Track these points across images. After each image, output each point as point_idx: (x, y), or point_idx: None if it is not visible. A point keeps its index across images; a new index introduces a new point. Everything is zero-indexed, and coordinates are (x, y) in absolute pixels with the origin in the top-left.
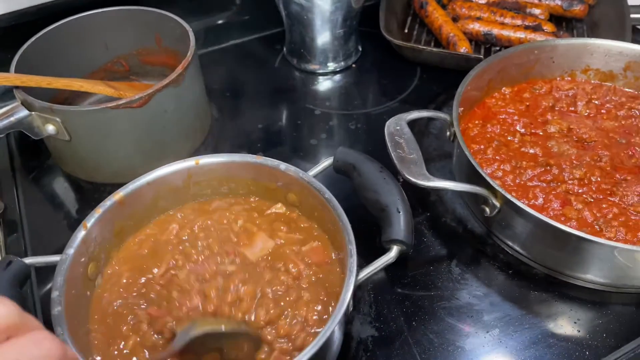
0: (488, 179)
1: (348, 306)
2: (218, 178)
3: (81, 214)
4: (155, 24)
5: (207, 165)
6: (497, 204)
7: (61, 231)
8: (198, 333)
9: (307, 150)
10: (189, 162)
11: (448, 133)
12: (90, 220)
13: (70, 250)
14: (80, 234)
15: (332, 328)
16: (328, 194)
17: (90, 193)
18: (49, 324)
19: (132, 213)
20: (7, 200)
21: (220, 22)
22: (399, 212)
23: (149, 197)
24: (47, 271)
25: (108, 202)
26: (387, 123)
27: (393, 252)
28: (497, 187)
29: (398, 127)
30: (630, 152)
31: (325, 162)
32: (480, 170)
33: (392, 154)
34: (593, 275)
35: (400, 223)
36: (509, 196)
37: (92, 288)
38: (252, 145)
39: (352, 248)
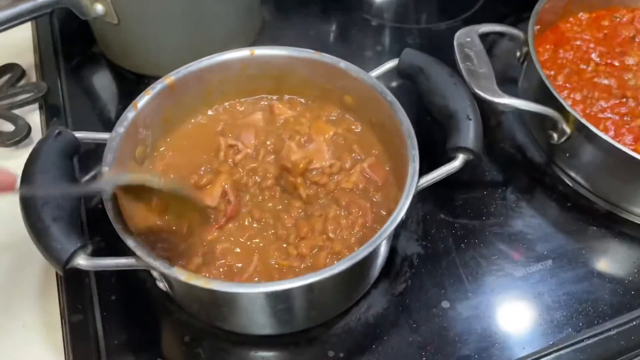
0: (562, 101)
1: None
2: (272, 73)
3: (124, 104)
4: None
5: (262, 57)
6: (568, 130)
7: (103, 119)
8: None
9: (362, 61)
10: (244, 52)
11: (518, 53)
12: (140, 101)
13: (121, 129)
14: (131, 113)
15: (390, 230)
16: (391, 96)
17: (135, 85)
18: (90, 212)
19: (182, 100)
20: (50, 84)
21: None
22: (470, 119)
23: (201, 85)
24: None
25: (159, 85)
26: (457, 34)
27: (458, 161)
28: (571, 111)
29: (469, 39)
30: None
31: (390, 64)
32: (553, 91)
33: (461, 66)
34: None
35: (469, 130)
36: (583, 120)
37: (139, 171)
38: None
39: (415, 153)
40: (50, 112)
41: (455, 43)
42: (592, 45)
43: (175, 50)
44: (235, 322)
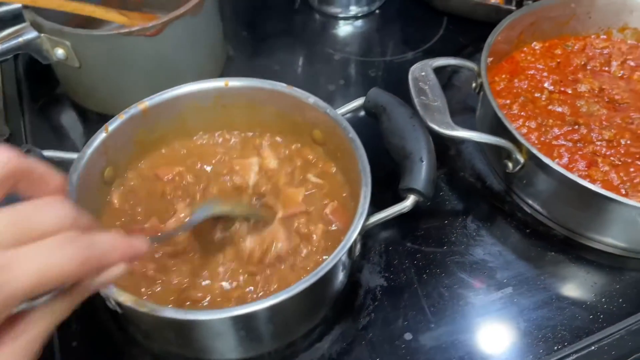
0: (514, 131)
1: (353, 249)
2: (245, 105)
3: None
4: None
5: (237, 88)
6: (521, 159)
7: None
8: (215, 213)
9: (325, 95)
10: (219, 82)
11: (474, 84)
12: (112, 124)
13: (89, 150)
14: (101, 135)
15: (329, 267)
16: (352, 133)
17: (99, 125)
18: None
19: (156, 126)
20: (13, 128)
21: None
22: (422, 162)
23: (174, 113)
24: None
25: (132, 110)
26: (412, 68)
27: (409, 202)
28: (523, 141)
29: (423, 73)
30: None
31: (356, 102)
32: (506, 122)
33: (415, 100)
34: (614, 239)
35: (421, 172)
36: (534, 151)
37: (107, 192)
38: None
39: (367, 190)
40: None
41: (409, 77)
42: (545, 74)
43: (138, 89)
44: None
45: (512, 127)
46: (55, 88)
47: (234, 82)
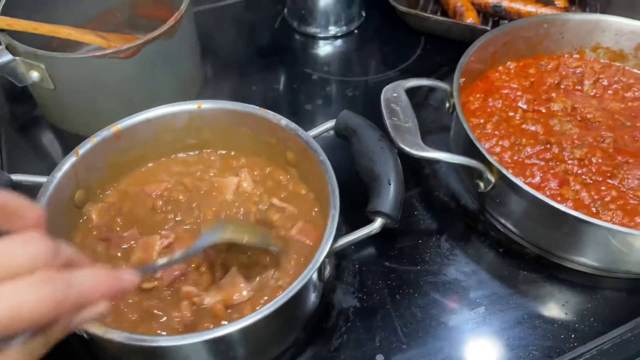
0: (484, 152)
1: (322, 272)
2: (219, 126)
3: None
4: None
5: (209, 110)
6: (492, 179)
7: None
8: (223, 239)
9: (302, 115)
10: (192, 105)
11: (447, 104)
12: (83, 148)
13: (59, 173)
14: (71, 159)
15: (296, 290)
16: (323, 156)
17: (75, 146)
18: None
19: (129, 149)
20: None
21: None
22: (390, 184)
23: (148, 135)
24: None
25: (104, 133)
26: (384, 89)
27: (376, 224)
28: (492, 162)
29: (395, 94)
30: (635, 136)
31: (327, 124)
32: (476, 143)
33: (387, 122)
34: (585, 258)
35: (388, 195)
36: (504, 171)
37: (78, 214)
38: None
39: (335, 213)
40: None
41: (382, 99)
42: (519, 93)
43: (114, 111)
44: None
45: (482, 147)
46: (34, 109)
47: (207, 105)
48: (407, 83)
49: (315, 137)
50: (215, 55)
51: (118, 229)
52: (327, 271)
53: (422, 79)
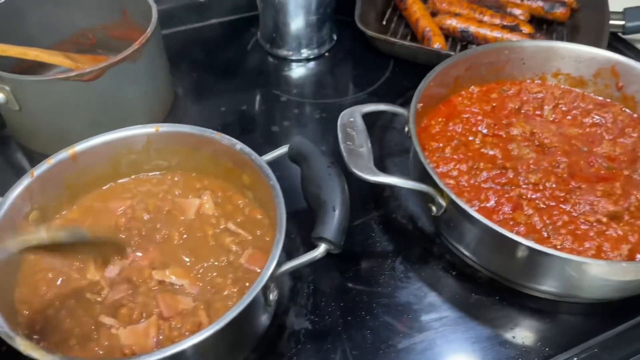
0: (434, 176)
1: (266, 295)
2: (178, 149)
3: None
4: None
5: (167, 133)
6: (443, 204)
7: None
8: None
9: (268, 136)
10: (149, 128)
11: (406, 129)
12: (38, 169)
13: (13, 194)
14: (26, 180)
15: (234, 314)
16: (273, 181)
17: None
18: None
19: (87, 170)
20: None
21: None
22: (334, 211)
23: (106, 158)
24: None
25: (60, 155)
26: (342, 114)
27: (320, 250)
28: (442, 186)
29: (352, 119)
30: (590, 161)
31: (281, 150)
32: (427, 167)
33: (342, 146)
34: (536, 284)
35: (332, 222)
36: (453, 196)
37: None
38: (213, 128)
39: (280, 238)
40: None
41: (338, 123)
42: (480, 117)
43: (81, 132)
44: None
45: (432, 171)
46: (3, 129)
47: (164, 128)
48: (364, 108)
49: (270, 162)
50: (186, 76)
51: None
52: (274, 294)
53: (380, 104)
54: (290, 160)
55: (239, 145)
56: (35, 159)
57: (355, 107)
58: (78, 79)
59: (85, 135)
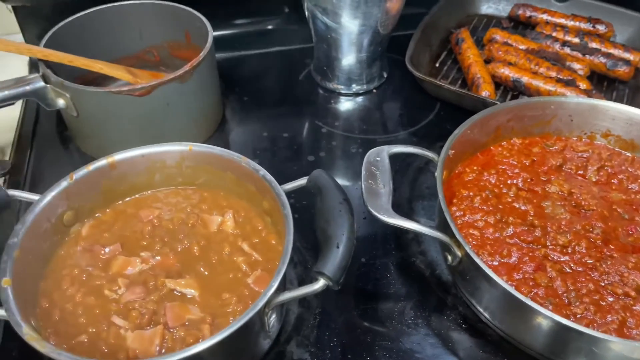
0: (452, 225)
1: (263, 321)
2: (207, 168)
3: None
4: (185, 20)
5: (199, 153)
6: (459, 254)
7: None
8: None
9: (302, 165)
10: (183, 147)
11: (436, 173)
12: (77, 173)
13: (51, 194)
14: (64, 182)
15: (225, 335)
16: (287, 210)
17: None
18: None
19: (123, 178)
20: (18, 161)
21: (269, 27)
22: (338, 248)
23: (142, 169)
24: None
25: (100, 162)
26: (369, 152)
27: (318, 284)
28: (458, 236)
29: (378, 159)
30: (629, 229)
31: (301, 181)
32: (446, 215)
33: (363, 184)
34: (551, 354)
35: (334, 258)
36: (467, 248)
37: (66, 232)
38: (252, 150)
39: (282, 267)
40: (12, 186)
41: (364, 161)
42: (516, 170)
43: (128, 142)
44: None
45: (451, 220)
46: (66, 130)
47: (197, 148)
48: (393, 149)
49: (289, 191)
50: (237, 98)
51: (102, 242)
52: (272, 320)
53: (409, 146)
54: (311, 191)
55: (262, 171)
56: (86, 161)
57: (383, 147)
58: (130, 93)
59: (132, 146)
